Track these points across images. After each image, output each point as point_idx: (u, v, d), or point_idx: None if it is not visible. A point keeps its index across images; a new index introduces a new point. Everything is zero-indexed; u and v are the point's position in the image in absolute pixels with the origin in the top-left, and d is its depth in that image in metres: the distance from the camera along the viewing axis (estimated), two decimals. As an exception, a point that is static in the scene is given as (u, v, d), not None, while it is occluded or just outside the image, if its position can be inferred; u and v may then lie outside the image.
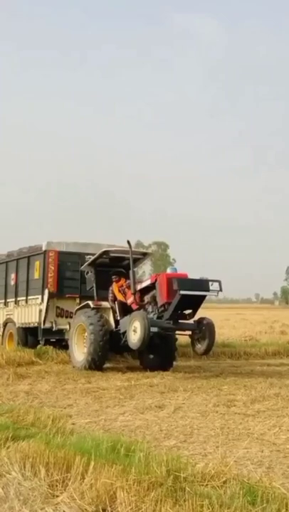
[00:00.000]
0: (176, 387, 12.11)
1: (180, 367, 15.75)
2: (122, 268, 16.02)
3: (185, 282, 13.50)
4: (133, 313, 14.09)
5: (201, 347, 13.86)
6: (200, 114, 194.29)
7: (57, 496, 5.31)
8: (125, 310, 14.99)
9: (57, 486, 5.51)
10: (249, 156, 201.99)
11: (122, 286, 15.52)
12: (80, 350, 15.24)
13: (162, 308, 13.82)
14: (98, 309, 15.21)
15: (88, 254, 16.89)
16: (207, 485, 5.36)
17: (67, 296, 17.21)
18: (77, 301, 17.01)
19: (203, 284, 13.59)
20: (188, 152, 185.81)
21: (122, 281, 15.57)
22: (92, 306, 15.25)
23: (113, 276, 15.61)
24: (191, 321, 13.99)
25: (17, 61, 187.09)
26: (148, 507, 4.77)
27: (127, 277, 15.36)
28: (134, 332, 13.48)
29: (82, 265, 16.68)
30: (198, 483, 5.38)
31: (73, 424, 8.56)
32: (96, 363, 14.66)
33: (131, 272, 14.62)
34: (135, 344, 13.55)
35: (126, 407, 10.04)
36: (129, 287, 15.06)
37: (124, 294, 15.33)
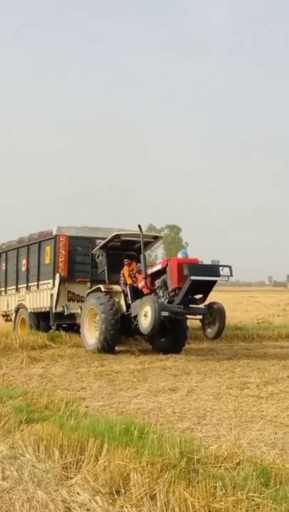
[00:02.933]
0: (189, 369, 12.14)
1: (193, 350, 15.80)
2: (134, 251, 16.07)
3: (195, 267, 13.55)
4: (144, 298, 14.12)
5: (211, 331, 13.92)
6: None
7: (71, 478, 5.34)
8: (136, 294, 15.03)
9: (71, 468, 5.55)
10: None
11: (132, 270, 15.55)
12: (91, 334, 15.31)
13: (173, 293, 13.87)
14: (109, 292, 15.27)
15: (98, 238, 16.86)
16: (220, 467, 5.37)
17: (78, 280, 17.25)
18: (88, 285, 17.04)
19: (213, 270, 13.59)
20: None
21: (134, 265, 15.60)
22: (103, 289, 15.31)
23: (125, 260, 15.62)
24: (201, 306, 14.03)
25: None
26: (161, 488, 4.78)
27: (138, 261, 15.38)
28: (145, 316, 13.53)
29: (92, 249, 16.75)
30: (212, 464, 5.39)
31: (87, 407, 8.59)
32: (108, 343, 14.72)
33: (142, 255, 14.63)
34: (146, 329, 13.63)
35: (139, 389, 10.07)
36: (139, 271, 15.11)
37: (135, 278, 15.35)
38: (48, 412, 7.71)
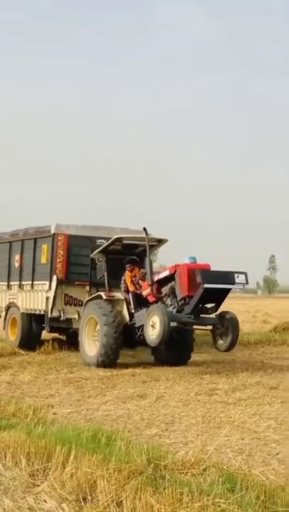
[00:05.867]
0: (158, 376, 12.14)
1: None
2: (136, 255, 14.85)
3: (209, 274, 12.48)
4: (151, 307, 12.95)
5: (223, 343, 12.81)
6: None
7: (38, 486, 5.33)
8: (140, 302, 13.89)
9: (38, 475, 5.53)
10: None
11: (135, 276, 14.36)
12: (90, 345, 14.10)
13: (183, 302, 12.72)
14: (111, 301, 14.08)
15: (99, 238, 15.81)
16: (187, 473, 5.40)
17: (76, 283, 16.05)
18: (87, 288, 16.03)
19: (228, 277, 12.53)
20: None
21: (136, 270, 14.39)
22: (104, 297, 14.11)
23: (127, 265, 14.40)
24: (212, 316, 12.92)
25: None
26: (128, 495, 4.80)
27: (141, 266, 14.43)
28: (153, 327, 12.41)
29: (92, 250, 15.49)
30: (179, 471, 5.43)
31: (55, 414, 8.57)
32: (110, 358, 13.49)
33: (147, 261, 13.65)
34: (153, 340, 12.49)
35: (108, 396, 10.06)
36: (143, 278, 14.02)
37: (138, 285, 14.20)
38: (15, 420, 7.69)
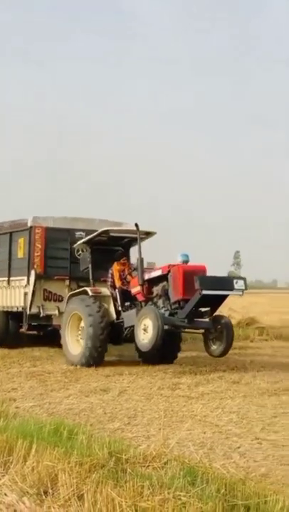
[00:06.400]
0: (121, 370, 12.17)
1: (126, 349, 15.67)
2: (121, 247, 14.37)
3: (208, 280, 11.85)
4: (143, 310, 12.25)
5: (216, 349, 12.25)
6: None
7: (-2, 479, 5.29)
8: (127, 299, 13.26)
9: (-2, 469, 5.49)
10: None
11: (123, 271, 13.70)
12: (74, 344, 13.43)
13: (177, 305, 12.13)
14: (97, 297, 13.36)
15: (78, 230, 15.40)
16: (148, 466, 5.42)
17: (55, 277, 15.48)
18: (67, 283, 15.48)
19: (226, 282, 12.12)
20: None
21: (126, 265, 13.81)
22: (90, 293, 13.39)
23: (117, 260, 13.77)
24: (205, 319, 12.39)
25: None
26: (89, 488, 4.79)
27: (128, 259, 14.05)
28: (144, 331, 11.74)
29: (72, 243, 15.12)
30: (140, 464, 5.43)
31: (17, 407, 8.52)
32: (95, 358, 12.83)
33: (138, 258, 12.83)
34: (145, 345, 11.81)
35: (71, 390, 10.05)
36: (131, 273, 13.47)
37: (125, 281, 13.56)
38: (-24, 414, 7.61)
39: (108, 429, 7.35)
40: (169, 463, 5.43)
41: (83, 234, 14.99)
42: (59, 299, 15.32)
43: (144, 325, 11.75)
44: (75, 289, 14.60)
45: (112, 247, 14.17)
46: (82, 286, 14.15)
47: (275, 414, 8.27)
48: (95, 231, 14.11)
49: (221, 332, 12.17)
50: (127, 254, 14.28)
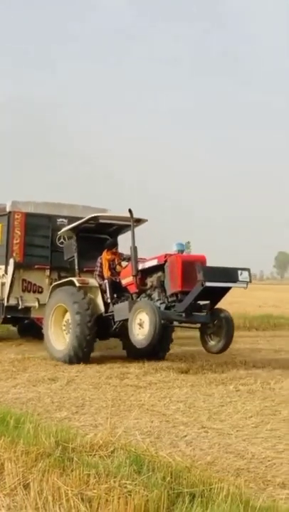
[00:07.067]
0: (70, 359, 12.11)
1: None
2: (109, 235, 13.61)
3: (211, 271, 10.86)
4: (138, 303, 11.37)
5: (215, 345, 11.34)
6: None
7: None
8: (117, 290, 12.37)
9: None
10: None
11: (113, 260, 12.81)
12: (59, 338, 12.52)
13: (174, 298, 11.29)
14: (83, 288, 12.44)
15: (61, 216, 14.64)
16: (95, 455, 5.42)
17: (35, 267, 14.55)
18: (47, 273, 14.56)
19: (231, 274, 11.00)
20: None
21: (116, 255, 12.95)
22: (77, 283, 12.45)
23: (108, 249, 12.89)
24: (203, 313, 11.44)
25: None
26: (35, 477, 4.78)
27: (116, 248, 13.20)
28: (140, 326, 10.91)
29: (53, 230, 14.32)
30: (87, 453, 5.44)
31: None
32: (83, 351, 11.93)
33: (132, 247, 11.87)
34: (140, 341, 10.93)
35: (18, 379, 9.97)
36: (121, 264, 12.67)
37: (114, 271, 12.67)
38: None
39: (55, 418, 7.33)
40: (116, 451, 5.45)
41: (65, 221, 14.35)
42: (39, 290, 14.51)
43: (140, 319, 10.92)
44: (55, 280, 13.97)
45: (97, 235, 13.43)
46: (64, 277, 13.48)
47: (221, 403, 8.37)
48: (78, 218, 13.38)
49: (220, 327, 11.28)
50: (117, 243, 13.44)
